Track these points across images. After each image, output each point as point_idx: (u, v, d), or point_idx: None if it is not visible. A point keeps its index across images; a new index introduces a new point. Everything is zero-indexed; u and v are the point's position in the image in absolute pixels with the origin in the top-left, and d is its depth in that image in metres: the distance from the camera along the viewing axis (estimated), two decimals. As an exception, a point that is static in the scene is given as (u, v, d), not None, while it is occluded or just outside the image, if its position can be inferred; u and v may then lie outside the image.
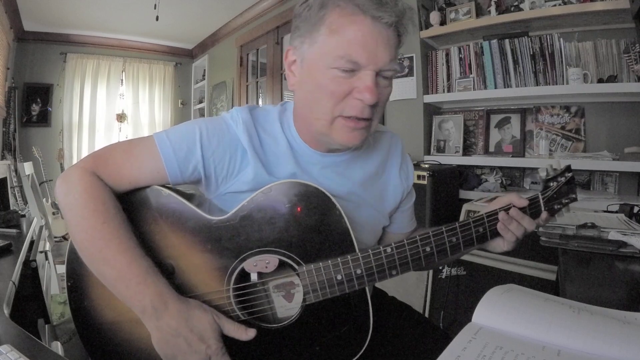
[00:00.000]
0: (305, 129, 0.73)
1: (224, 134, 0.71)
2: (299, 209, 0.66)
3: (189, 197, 0.72)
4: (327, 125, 0.67)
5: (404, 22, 0.65)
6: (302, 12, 0.67)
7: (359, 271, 0.66)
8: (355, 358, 0.69)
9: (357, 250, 0.67)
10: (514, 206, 0.72)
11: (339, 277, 0.66)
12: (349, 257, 0.66)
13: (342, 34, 0.62)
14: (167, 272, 0.68)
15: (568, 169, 0.76)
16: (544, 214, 0.74)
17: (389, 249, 0.67)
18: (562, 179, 0.75)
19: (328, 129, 0.67)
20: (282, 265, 0.68)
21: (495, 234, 0.72)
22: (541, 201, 0.74)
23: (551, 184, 0.76)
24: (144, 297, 0.61)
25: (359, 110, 0.64)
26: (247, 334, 0.64)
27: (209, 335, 0.61)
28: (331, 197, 0.66)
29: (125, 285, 0.61)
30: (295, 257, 0.67)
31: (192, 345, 0.60)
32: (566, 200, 0.75)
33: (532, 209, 0.73)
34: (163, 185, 0.71)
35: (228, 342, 0.64)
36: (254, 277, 0.68)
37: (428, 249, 0.68)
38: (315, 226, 0.67)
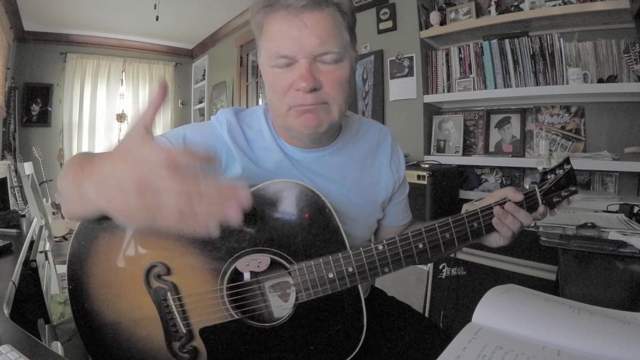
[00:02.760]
0: (279, 128, 0.75)
1: (209, 134, 0.73)
2: (288, 208, 0.67)
3: None
4: (285, 117, 0.69)
5: None
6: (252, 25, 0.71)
7: (350, 269, 0.66)
8: (351, 357, 0.68)
9: (348, 248, 0.67)
10: (509, 200, 0.70)
11: (331, 275, 0.66)
12: (340, 254, 0.66)
13: (269, 34, 0.65)
14: (163, 273, 0.68)
15: (567, 160, 0.74)
16: (541, 208, 0.72)
17: (380, 246, 0.67)
18: (561, 172, 0.73)
19: (286, 121, 0.69)
20: (274, 264, 0.68)
21: (491, 228, 0.70)
22: (538, 194, 0.72)
23: (549, 177, 0.73)
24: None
25: (301, 99, 0.65)
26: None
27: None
28: (320, 194, 0.66)
29: (104, 183, 0.45)
30: (286, 255, 0.67)
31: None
32: (565, 193, 0.73)
33: (528, 203, 0.71)
34: None
35: (222, 341, 0.65)
36: (246, 276, 0.68)
37: (421, 245, 0.68)
38: (305, 225, 0.66)
